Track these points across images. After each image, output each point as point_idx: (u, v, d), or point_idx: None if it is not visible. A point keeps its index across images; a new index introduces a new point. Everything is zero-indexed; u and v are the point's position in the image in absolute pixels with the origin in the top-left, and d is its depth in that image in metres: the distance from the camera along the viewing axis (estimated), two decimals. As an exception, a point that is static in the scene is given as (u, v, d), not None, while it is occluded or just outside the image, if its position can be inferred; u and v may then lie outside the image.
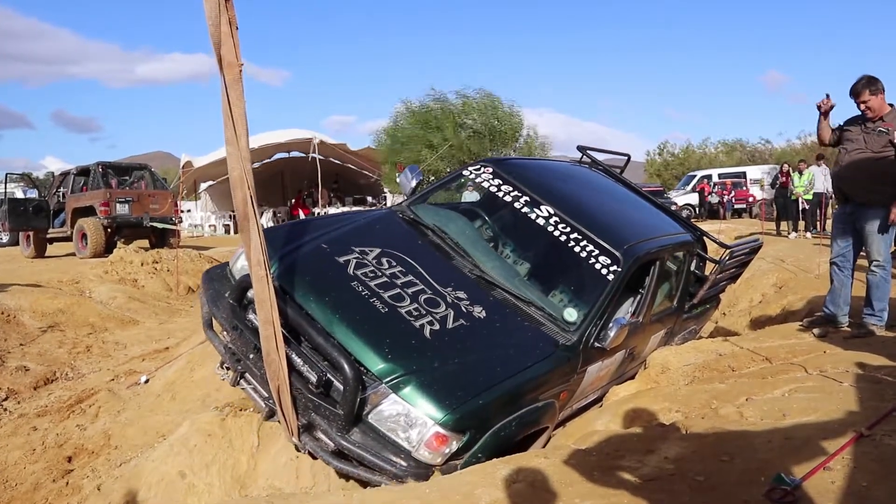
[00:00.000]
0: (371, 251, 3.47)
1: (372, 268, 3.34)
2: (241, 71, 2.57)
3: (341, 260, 3.35)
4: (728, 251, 4.32)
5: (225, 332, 3.35)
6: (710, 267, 4.72)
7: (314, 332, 2.84)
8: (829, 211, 12.75)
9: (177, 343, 6.35)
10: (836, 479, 2.13)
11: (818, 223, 13.20)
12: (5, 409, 4.90)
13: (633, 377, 4.23)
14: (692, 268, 4.62)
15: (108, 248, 11.64)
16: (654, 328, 4.18)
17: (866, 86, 4.07)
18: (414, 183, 4.17)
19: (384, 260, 3.42)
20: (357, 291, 3.16)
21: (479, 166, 4.24)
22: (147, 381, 5.23)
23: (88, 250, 11.79)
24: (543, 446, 3.29)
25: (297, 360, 2.92)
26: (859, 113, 4.21)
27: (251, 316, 3.07)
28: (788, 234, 13.48)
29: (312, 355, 2.93)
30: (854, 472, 2.17)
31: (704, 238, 4.78)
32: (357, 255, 3.41)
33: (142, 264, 9.64)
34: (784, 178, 13.71)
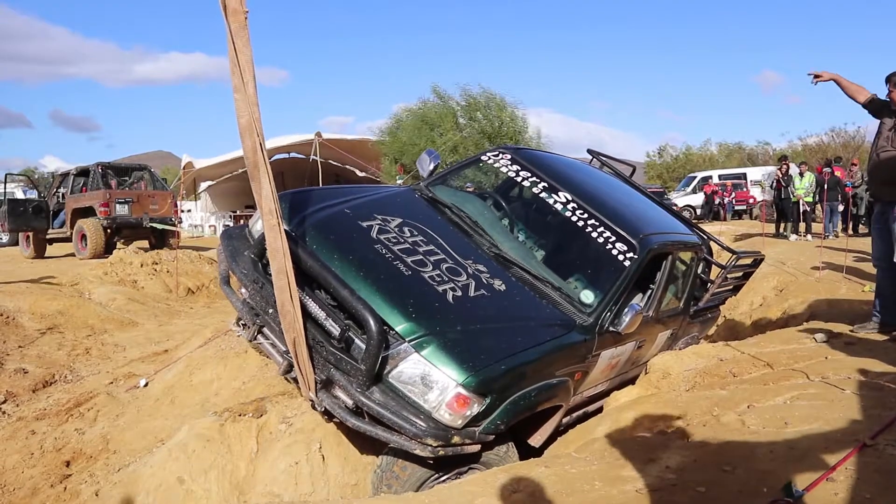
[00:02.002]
0: (393, 220, 3.51)
1: (395, 234, 3.38)
2: (246, 17, 2.55)
3: (364, 224, 3.39)
4: (735, 256, 4.34)
5: (243, 289, 3.36)
6: (715, 272, 4.72)
7: (339, 285, 2.81)
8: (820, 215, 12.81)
9: (176, 346, 6.32)
10: (840, 491, 2.11)
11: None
12: (3, 413, 4.88)
13: (633, 382, 4.21)
14: (698, 271, 4.62)
15: (108, 249, 11.67)
16: (661, 327, 4.19)
17: (888, 79, 4.09)
18: (432, 166, 4.20)
19: (406, 229, 3.46)
20: (381, 253, 3.18)
21: (497, 152, 4.29)
22: (146, 385, 5.20)
23: (88, 251, 11.78)
24: (557, 426, 3.31)
25: (320, 314, 2.92)
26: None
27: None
28: (788, 235, 13.44)
29: (335, 311, 2.93)
30: (857, 483, 2.15)
31: (710, 242, 4.80)
32: (380, 221, 3.45)
33: (141, 265, 9.61)
34: (777, 181, 13.58)
